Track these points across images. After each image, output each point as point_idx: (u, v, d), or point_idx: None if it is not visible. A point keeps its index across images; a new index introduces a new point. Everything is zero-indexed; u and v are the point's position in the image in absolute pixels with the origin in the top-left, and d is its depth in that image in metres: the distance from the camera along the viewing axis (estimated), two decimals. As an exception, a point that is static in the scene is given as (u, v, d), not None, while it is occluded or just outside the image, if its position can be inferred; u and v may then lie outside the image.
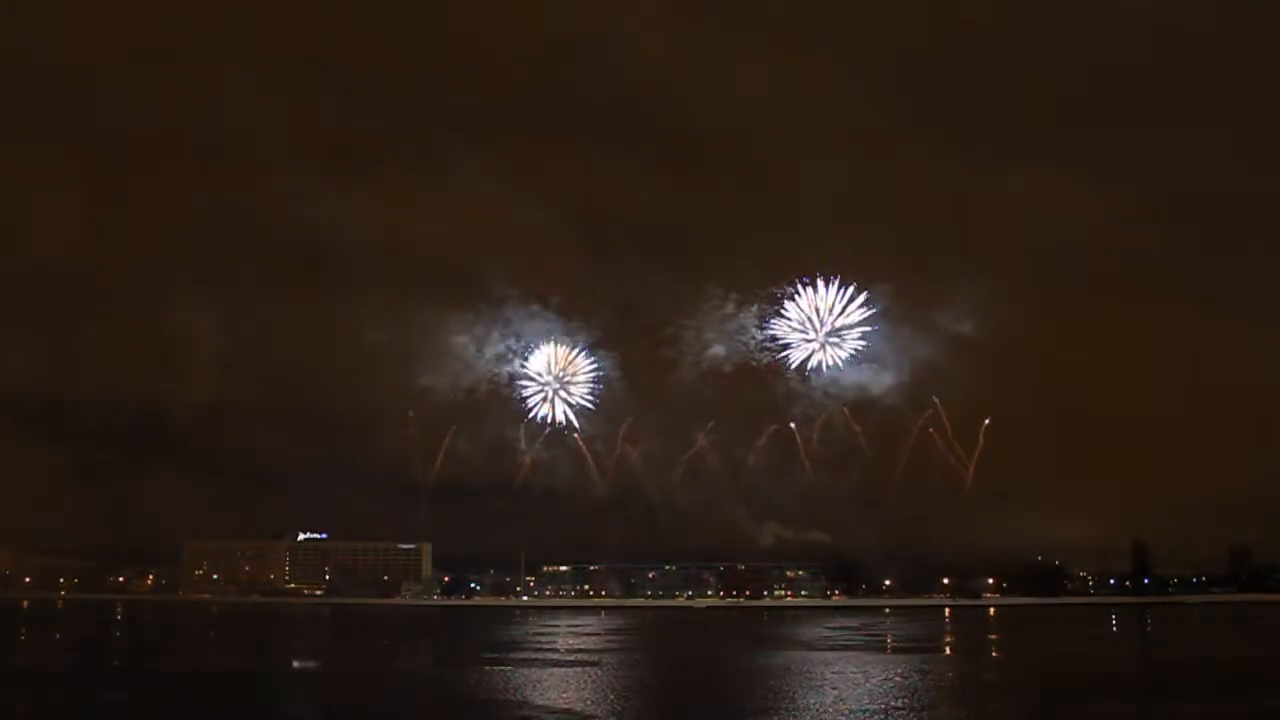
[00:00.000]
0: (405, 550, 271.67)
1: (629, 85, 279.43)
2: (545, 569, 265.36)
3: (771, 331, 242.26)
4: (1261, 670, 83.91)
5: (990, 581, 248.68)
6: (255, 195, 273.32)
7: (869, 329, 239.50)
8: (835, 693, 68.61)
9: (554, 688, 72.56)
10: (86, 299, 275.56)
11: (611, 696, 68.01)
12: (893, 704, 62.74)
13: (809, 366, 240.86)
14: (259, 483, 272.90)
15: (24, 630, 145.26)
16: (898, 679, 76.06)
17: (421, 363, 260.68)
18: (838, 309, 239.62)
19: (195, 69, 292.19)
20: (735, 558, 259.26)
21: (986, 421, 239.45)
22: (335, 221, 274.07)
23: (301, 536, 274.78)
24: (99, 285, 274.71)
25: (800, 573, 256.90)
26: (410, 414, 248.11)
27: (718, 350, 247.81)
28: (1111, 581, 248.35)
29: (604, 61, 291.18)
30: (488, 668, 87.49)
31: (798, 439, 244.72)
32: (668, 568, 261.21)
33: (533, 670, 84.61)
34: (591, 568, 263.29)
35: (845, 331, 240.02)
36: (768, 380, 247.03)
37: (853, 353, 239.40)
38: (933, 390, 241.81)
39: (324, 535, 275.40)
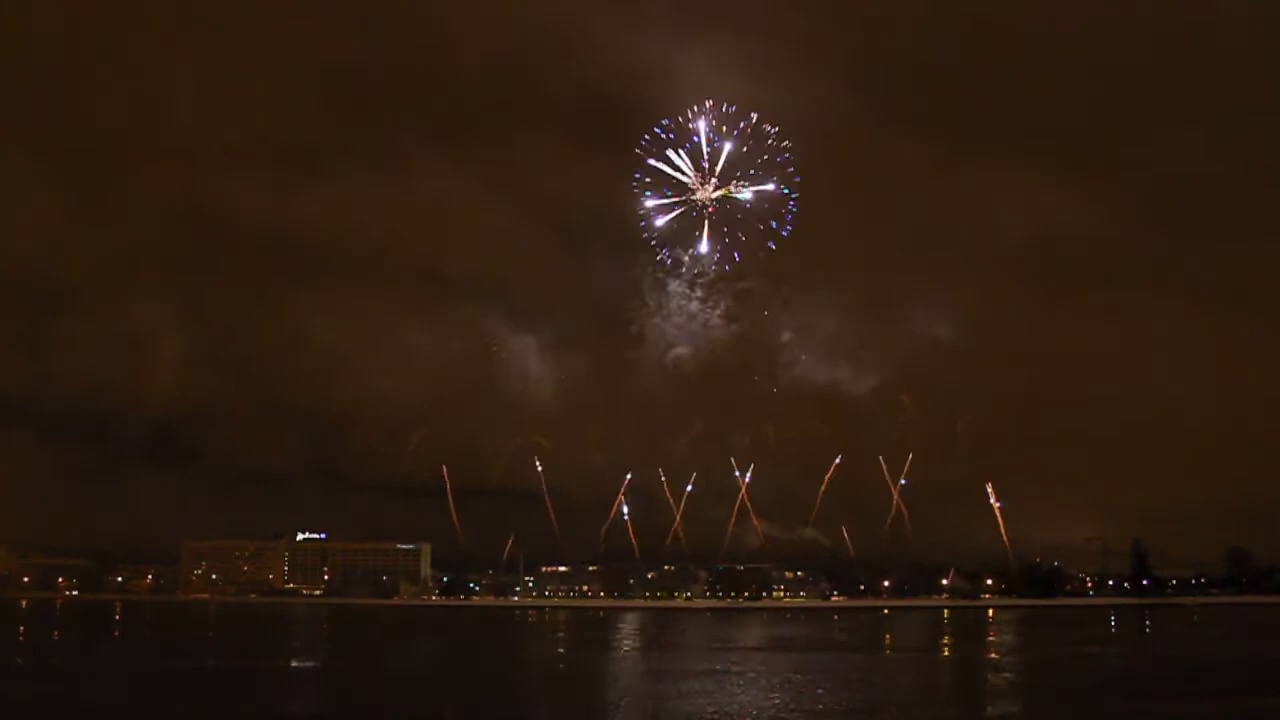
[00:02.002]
0: (404, 550, 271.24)
1: (599, 82, 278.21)
2: (544, 569, 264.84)
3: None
4: (1261, 670, 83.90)
5: (989, 582, 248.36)
6: (229, 196, 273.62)
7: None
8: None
9: (553, 687, 72.53)
10: (62, 298, 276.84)
11: (611, 695, 67.98)
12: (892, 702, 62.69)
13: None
14: (257, 482, 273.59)
15: (23, 629, 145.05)
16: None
17: (394, 363, 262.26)
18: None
19: (162, 70, 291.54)
20: (731, 558, 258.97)
21: (960, 423, 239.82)
22: (306, 221, 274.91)
23: (300, 536, 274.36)
24: (71, 285, 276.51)
25: (799, 574, 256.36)
26: (380, 415, 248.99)
27: (683, 350, 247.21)
28: (1111, 583, 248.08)
29: (574, 58, 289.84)
30: (488, 668, 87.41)
31: (771, 439, 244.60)
32: (666, 568, 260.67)
33: (532, 670, 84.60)
34: (590, 568, 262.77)
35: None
36: (738, 379, 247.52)
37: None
38: (918, 390, 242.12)
39: (323, 535, 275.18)
